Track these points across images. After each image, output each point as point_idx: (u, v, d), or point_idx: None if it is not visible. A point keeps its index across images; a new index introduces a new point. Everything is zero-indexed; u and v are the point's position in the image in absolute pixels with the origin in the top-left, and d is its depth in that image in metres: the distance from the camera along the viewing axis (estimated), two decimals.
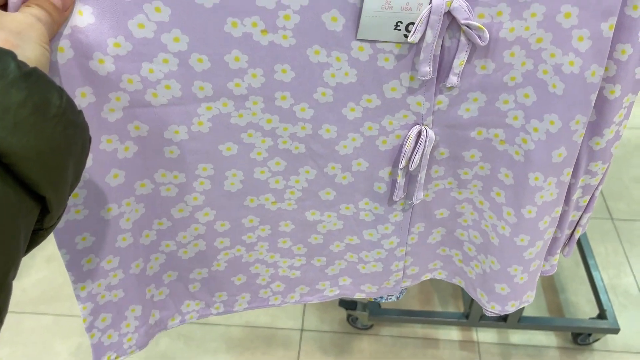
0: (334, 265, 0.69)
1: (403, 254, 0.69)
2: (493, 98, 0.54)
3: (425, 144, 0.56)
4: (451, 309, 1.30)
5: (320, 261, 0.69)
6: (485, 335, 1.25)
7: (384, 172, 0.60)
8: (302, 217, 0.63)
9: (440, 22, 0.47)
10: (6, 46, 0.35)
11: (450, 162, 0.60)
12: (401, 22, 0.48)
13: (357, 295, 0.73)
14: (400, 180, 0.59)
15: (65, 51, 0.45)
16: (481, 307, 0.72)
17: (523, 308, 1.08)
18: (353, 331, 1.26)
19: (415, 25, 0.47)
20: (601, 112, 0.55)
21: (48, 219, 0.37)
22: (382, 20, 0.47)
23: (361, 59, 0.50)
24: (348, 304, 1.18)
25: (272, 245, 0.66)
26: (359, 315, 1.19)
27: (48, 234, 0.39)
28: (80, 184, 0.52)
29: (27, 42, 0.37)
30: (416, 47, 0.49)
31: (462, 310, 1.28)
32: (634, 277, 1.36)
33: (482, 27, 0.47)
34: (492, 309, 0.70)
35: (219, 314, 0.72)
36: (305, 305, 1.30)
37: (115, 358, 0.66)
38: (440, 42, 0.49)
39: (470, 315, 1.16)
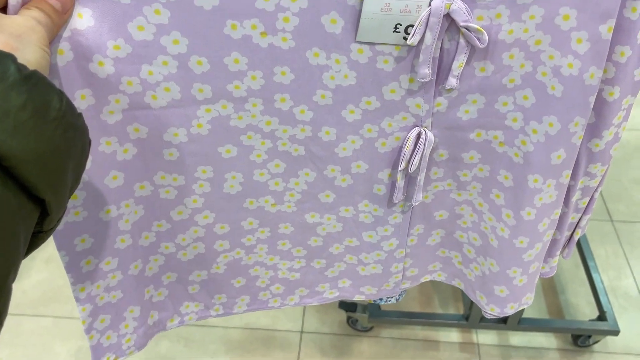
0: (333, 267, 0.69)
1: (402, 255, 0.69)
2: (492, 100, 0.54)
3: (424, 145, 0.56)
4: (451, 310, 1.30)
5: (320, 263, 0.69)
6: (485, 337, 1.24)
7: (384, 174, 0.60)
8: (301, 219, 0.63)
9: (440, 25, 0.47)
10: (6, 49, 0.35)
11: (449, 164, 0.60)
12: (400, 25, 0.48)
13: (357, 297, 0.73)
14: (400, 182, 0.59)
15: (65, 53, 0.45)
16: (481, 309, 0.72)
17: (523, 310, 1.08)
18: (353, 333, 1.26)
19: (414, 27, 0.47)
20: (600, 114, 0.55)
21: (48, 221, 0.37)
22: (381, 22, 0.47)
23: (360, 61, 0.50)
24: (348, 306, 1.18)
25: (272, 247, 0.66)
26: (359, 317, 1.19)
27: (48, 236, 0.39)
28: (80, 185, 0.52)
29: (27, 45, 0.37)
30: (415, 49, 0.49)
31: (462, 312, 1.28)
32: (634, 278, 1.36)
33: (481, 29, 0.47)
34: (492, 311, 0.70)
35: (218, 315, 0.72)
36: (305, 307, 1.30)
37: (115, 359, 0.66)
38: (440, 45, 0.49)
39: (470, 317, 1.16)
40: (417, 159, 0.56)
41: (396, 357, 1.21)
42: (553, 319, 1.27)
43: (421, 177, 0.59)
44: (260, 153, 0.57)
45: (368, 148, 0.57)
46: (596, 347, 1.22)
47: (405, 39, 0.48)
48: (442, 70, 0.51)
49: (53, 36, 0.43)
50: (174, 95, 0.50)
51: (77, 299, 0.60)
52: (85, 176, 0.52)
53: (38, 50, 0.38)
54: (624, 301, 1.31)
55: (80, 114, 0.37)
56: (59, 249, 0.56)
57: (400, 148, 0.57)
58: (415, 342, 1.24)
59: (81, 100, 0.48)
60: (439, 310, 1.30)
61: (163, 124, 0.52)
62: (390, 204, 0.63)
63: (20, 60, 0.34)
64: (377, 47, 0.49)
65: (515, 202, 0.59)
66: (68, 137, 0.35)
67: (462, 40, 0.49)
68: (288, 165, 0.58)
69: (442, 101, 0.54)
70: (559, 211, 0.62)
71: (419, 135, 0.56)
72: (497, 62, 0.51)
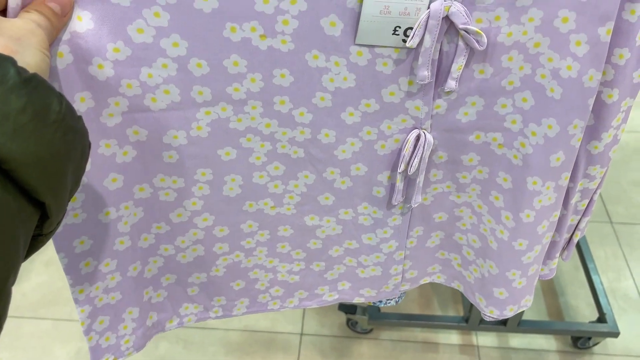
0: (333, 269, 0.69)
1: (402, 257, 0.69)
2: (491, 102, 0.54)
3: (423, 148, 0.56)
4: (451, 312, 1.29)
5: (319, 266, 0.69)
6: (485, 339, 1.24)
7: (383, 177, 0.60)
8: (301, 221, 0.63)
9: (439, 27, 0.47)
10: (6, 52, 0.35)
11: (448, 166, 0.60)
12: (399, 27, 0.48)
13: (356, 300, 0.73)
14: (399, 184, 0.59)
15: (64, 56, 0.45)
16: (480, 311, 0.72)
17: (522, 312, 1.08)
18: (353, 335, 1.26)
19: (413, 30, 0.47)
20: (599, 116, 0.55)
21: (47, 224, 0.37)
22: (380, 25, 0.47)
23: (360, 63, 0.50)
24: (348, 308, 1.18)
25: (271, 250, 0.66)
26: (359, 319, 1.19)
27: (47, 239, 0.39)
28: (79, 187, 0.52)
29: (27, 48, 0.37)
30: (414, 51, 0.50)
31: (461, 314, 1.28)
32: (634, 280, 1.36)
33: (480, 31, 0.47)
34: (491, 313, 0.70)
35: (217, 317, 0.72)
36: (304, 309, 1.30)
37: None
38: (439, 47, 0.49)
39: (470, 319, 1.16)
40: (416, 161, 0.56)
41: (396, 359, 1.21)
42: (553, 321, 1.27)
43: (420, 179, 0.59)
44: (260, 155, 0.57)
45: (367, 150, 0.57)
46: (596, 349, 1.22)
47: (404, 41, 0.48)
48: (441, 72, 0.51)
49: (53, 39, 0.43)
50: (173, 98, 0.50)
51: (76, 301, 0.60)
52: (84, 178, 0.52)
53: (38, 53, 0.38)
54: (624, 303, 1.31)
55: (80, 117, 0.37)
56: (58, 250, 0.56)
57: (400, 150, 0.57)
58: (414, 344, 1.24)
59: (81, 102, 0.48)
60: (439, 312, 1.29)
61: (162, 127, 0.52)
62: (389, 206, 0.63)
63: (20, 63, 0.34)
64: (377, 50, 0.49)
65: (515, 204, 0.59)
66: (68, 140, 0.35)
67: (461, 43, 0.49)
68: (287, 167, 0.58)
69: (441, 103, 0.54)
70: (558, 213, 0.62)
71: (418, 138, 0.56)
72: (496, 64, 0.51)
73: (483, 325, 1.17)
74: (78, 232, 0.55)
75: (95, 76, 0.47)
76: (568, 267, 1.39)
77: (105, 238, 0.57)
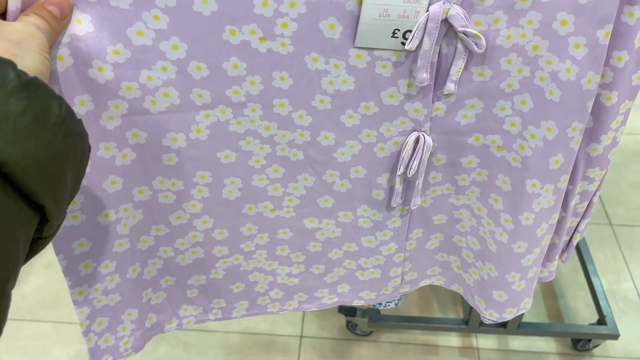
0: (332, 272, 0.69)
1: (401, 260, 0.69)
2: (490, 105, 0.54)
3: (423, 150, 0.56)
4: (451, 315, 1.29)
5: (319, 269, 0.69)
6: (485, 342, 1.24)
7: (382, 179, 0.60)
8: (300, 224, 0.63)
9: (438, 30, 0.47)
10: (6, 55, 0.35)
11: (448, 169, 0.60)
12: (398, 30, 0.48)
13: (356, 303, 0.73)
14: (398, 187, 0.59)
15: (64, 59, 0.45)
16: (480, 314, 0.72)
17: (522, 314, 1.08)
18: (352, 337, 1.25)
19: (412, 32, 0.47)
20: (598, 118, 0.55)
21: (47, 228, 0.37)
22: (379, 27, 0.47)
23: (359, 66, 0.50)
24: (347, 311, 1.18)
25: (271, 253, 0.66)
26: (359, 321, 1.19)
27: (47, 242, 0.39)
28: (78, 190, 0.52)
29: (27, 51, 0.37)
30: (413, 54, 0.50)
31: (461, 316, 1.28)
32: (633, 282, 1.36)
33: (479, 34, 0.47)
34: (490, 316, 0.70)
35: (216, 319, 0.72)
36: (304, 311, 1.30)
37: None
38: (438, 50, 0.49)
39: (470, 321, 1.15)
40: (415, 163, 0.56)
41: None
42: (553, 323, 1.27)
43: (420, 182, 0.59)
44: (259, 158, 0.57)
45: (367, 153, 0.57)
46: (596, 351, 1.22)
47: (403, 44, 0.49)
48: (440, 75, 0.52)
49: (52, 42, 0.43)
50: (173, 101, 0.51)
51: (75, 302, 0.60)
52: (84, 181, 0.52)
53: (38, 57, 0.38)
54: (624, 305, 1.31)
55: (80, 120, 0.37)
56: (57, 252, 0.56)
57: (399, 153, 0.57)
58: (414, 346, 1.24)
59: (80, 105, 0.48)
60: (439, 315, 1.29)
61: (162, 129, 0.52)
62: (389, 208, 0.63)
63: (20, 66, 0.34)
64: (376, 52, 0.50)
65: (514, 206, 0.59)
66: (68, 143, 0.36)
67: (460, 46, 0.49)
68: (287, 170, 0.58)
69: (440, 106, 0.54)
70: (557, 216, 0.62)
71: (417, 140, 0.56)
72: (495, 67, 0.51)
73: (483, 327, 1.17)
74: (77, 234, 0.56)
75: (95, 79, 0.47)
76: (568, 269, 1.39)
77: (105, 240, 0.57)
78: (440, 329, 1.20)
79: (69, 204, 0.39)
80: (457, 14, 0.46)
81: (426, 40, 0.48)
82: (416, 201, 0.61)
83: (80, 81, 0.47)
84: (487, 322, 0.71)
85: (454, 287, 0.74)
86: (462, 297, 1.29)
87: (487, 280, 0.67)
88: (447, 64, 0.51)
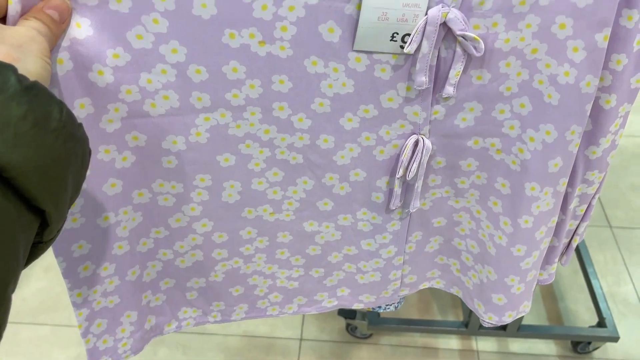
0: (332, 276, 0.69)
1: (401, 262, 0.69)
2: (489, 108, 0.54)
3: (422, 153, 0.56)
4: (450, 317, 1.29)
5: (319, 272, 0.69)
6: (485, 344, 1.24)
7: (382, 182, 0.60)
8: (300, 228, 0.63)
9: (436, 33, 0.47)
10: (7, 60, 0.35)
11: (447, 171, 0.60)
12: (397, 33, 0.48)
13: (356, 306, 0.73)
14: (397, 190, 0.59)
15: (64, 63, 0.45)
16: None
17: (522, 316, 1.08)
18: (352, 340, 1.25)
19: (411, 36, 0.47)
20: (597, 121, 0.55)
21: (47, 232, 0.37)
22: (378, 31, 0.48)
23: (358, 69, 0.50)
24: (347, 313, 1.18)
25: (270, 256, 0.66)
26: (358, 324, 1.19)
27: (48, 246, 0.39)
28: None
29: (29, 55, 0.38)
30: (412, 57, 0.50)
31: (461, 319, 1.28)
32: (633, 284, 1.36)
33: (477, 38, 0.47)
34: (489, 319, 0.70)
35: (216, 322, 0.72)
36: (304, 314, 1.30)
37: None
38: (436, 53, 0.49)
39: (470, 324, 1.15)
40: (414, 166, 0.56)
41: None
42: (553, 326, 1.27)
43: (419, 185, 0.59)
44: (259, 162, 0.57)
45: (366, 156, 0.57)
46: (596, 353, 1.22)
47: (402, 47, 0.49)
48: (439, 78, 0.52)
49: (52, 46, 0.43)
50: (172, 104, 0.51)
51: (74, 304, 0.60)
52: (83, 184, 0.52)
53: (39, 61, 0.38)
54: (623, 307, 1.31)
55: (80, 125, 0.37)
56: (57, 255, 0.56)
57: (398, 155, 0.57)
58: (414, 349, 1.24)
59: (80, 109, 0.48)
60: (438, 317, 1.29)
61: (162, 132, 0.53)
62: (388, 211, 0.63)
63: (21, 70, 0.34)
64: (375, 56, 0.50)
65: (513, 209, 0.59)
66: (68, 147, 0.36)
67: (458, 49, 0.49)
68: (286, 173, 0.58)
69: (439, 109, 0.54)
70: (556, 219, 0.62)
71: (416, 143, 0.56)
72: (493, 70, 0.51)
73: (483, 330, 1.17)
74: (77, 237, 0.56)
75: (95, 82, 0.47)
76: (567, 271, 1.39)
77: (104, 243, 0.57)
78: (440, 331, 1.20)
79: (69, 208, 0.39)
80: (455, 17, 0.46)
81: (425, 43, 0.48)
82: (415, 204, 0.61)
83: (80, 85, 0.47)
84: (487, 326, 0.71)
85: (454, 291, 0.74)
86: (462, 300, 1.29)
87: (487, 284, 0.67)
88: (446, 67, 0.51)
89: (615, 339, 1.16)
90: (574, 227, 0.68)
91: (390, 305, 0.81)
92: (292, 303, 0.72)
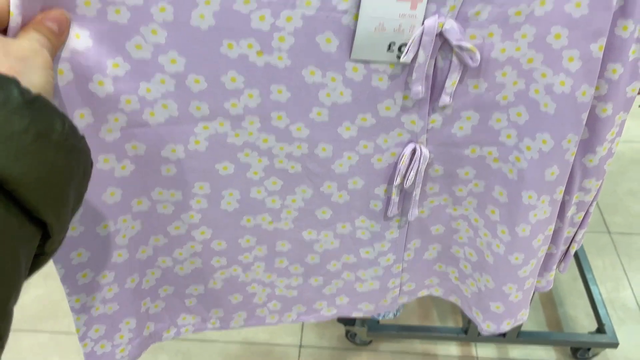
0: (331, 284, 0.69)
1: (399, 270, 0.69)
2: (486, 117, 0.55)
3: (419, 161, 0.56)
4: (450, 324, 1.29)
5: (317, 281, 0.69)
6: (485, 350, 1.24)
7: (380, 190, 0.60)
8: (298, 236, 0.63)
9: (433, 43, 0.48)
10: (11, 73, 0.35)
11: (444, 180, 0.61)
12: (394, 43, 0.48)
13: (355, 314, 0.73)
14: (395, 198, 0.59)
15: (65, 74, 0.45)
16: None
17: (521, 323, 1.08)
18: (352, 347, 1.25)
19: (407, 46, 0.48)
20: (594, 130, 0.56)
21: (49, 243, 0.37)
22: (375, 41, 0.48)
23: (355, 79, 0.51)
24: (347, 320, 1.18)
25: (269, 265, 0.66)
26: (358, 331, 1.19)
27: (49, 258, 0.39)
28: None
29: (33, 68, 0.38)
30: (409, 67, 0.50)
31: (461, 325, 1.27)
32: (632, 290, 1.36)
33: (473, 48, 0.48)
34: (488, 328, 0.70)
35: (214, 328, 0.72)
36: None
37: None
38: (433, 63, 0.50)
39: (469, 330, 1.15)
40: (412, 174, 0.57)
41: None
42: (552, 332, 1.27)
43: (417, 193, 0.59)
44: (257, 170, 0.57)
45: (364, 164, 0.58)
46: (595, 359, 1.22)
47: (399, 57, 0.49)
48: (435, 87, 0.52)
49: (52, 58, 0.43)
50: (171, 113, 0.51)
51: (73, 309, 0.60)
52: None
53: (43, 73, 0.38)
54: (623, 313, 1.31)
55: (82, 137, 0.37)
56: (55, 262, 0.56)
57: (396, 164, 0.57)
58: (414, 355, 1.24)
59: (80, 119, 0.48)
60: (438, 324, 1.29)
61: (161, 141, 0.53)
62: (386, 218, 0.63)
63: (25, 83, 0.34)
64: (372, 65, 0.50)
65: (510, 218, 0.60)
66: (70, 159, 0.36)
67: (455, 59, 0.49)
68: (285, 182, 0.58)
69: (436, 118, 0.54)
70: (552, 227, 0.62)
71: (414, 151, 0.56)
72: (490, 79, 0.51)
73: (482, 336, 1.17)
74: (76, 245, 0.56)
75: (95, 93, 0.47)
76: (566, 277, 1.39)
77: (104, 251, 0.58)
78: (440, 338, 1.20)
79: (71, 220, 0.39)
80: (452, 28, 0.47)
81: (421, 53, 0.48)
82: (414, 212, 0.61)
83: (81, 95, 0.47)
84: (485, 334, 0.71)
85: (452, 299, 0.74)
86: None
87: (485, 292, 0.67)
88: (443, 76, 0.51)
89: (614, 345, 1.16)
90: (572, 234, 0.68)
91: (389, 313, 0.81)
92: (291, 311, 0.72)
